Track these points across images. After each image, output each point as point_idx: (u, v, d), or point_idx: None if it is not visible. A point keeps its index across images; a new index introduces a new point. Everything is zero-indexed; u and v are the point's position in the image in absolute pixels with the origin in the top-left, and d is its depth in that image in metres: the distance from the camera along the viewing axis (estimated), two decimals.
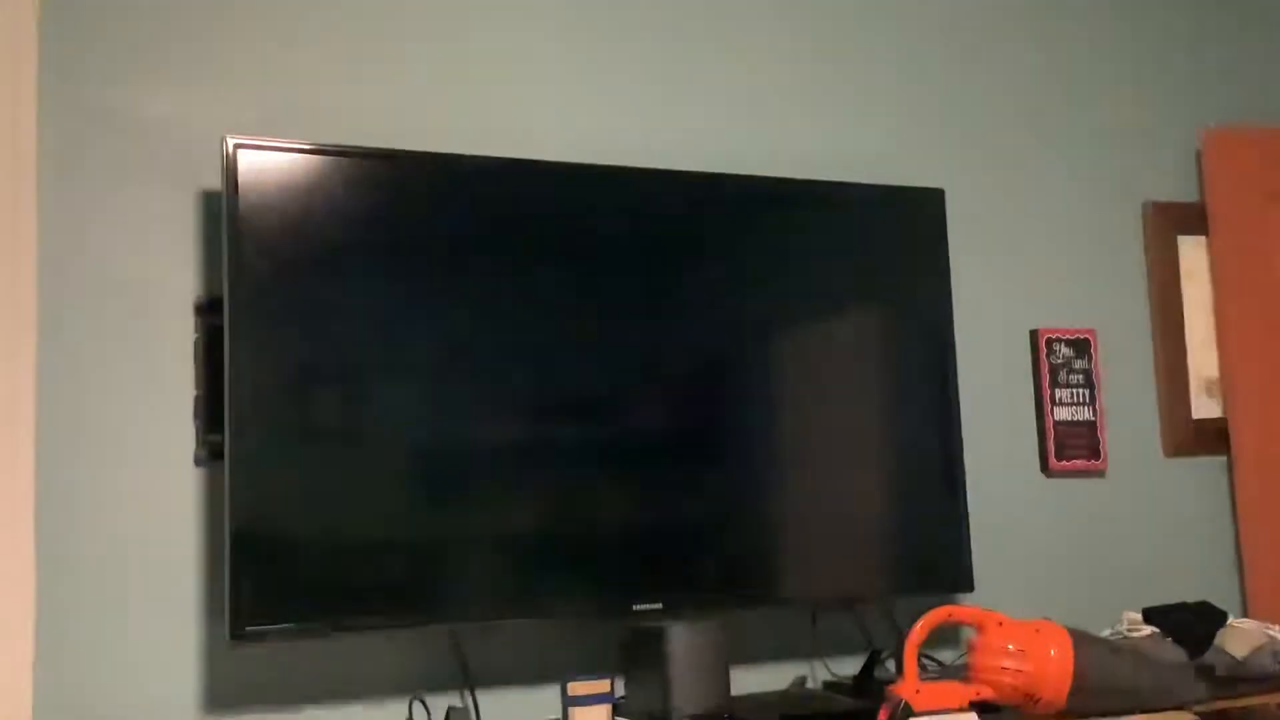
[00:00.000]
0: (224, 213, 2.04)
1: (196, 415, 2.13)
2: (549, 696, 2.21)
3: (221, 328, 2.04)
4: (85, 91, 2.13)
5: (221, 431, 2.02)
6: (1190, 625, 2.37)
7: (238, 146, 2.07)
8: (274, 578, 2.00)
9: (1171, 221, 2.95)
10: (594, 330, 2.27)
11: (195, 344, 2.14)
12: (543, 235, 2.26)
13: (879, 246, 2.52)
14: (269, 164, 2.08)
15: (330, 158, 2.13)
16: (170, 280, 2.14)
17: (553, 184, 2.28)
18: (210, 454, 2.12)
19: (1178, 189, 3.00)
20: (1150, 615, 2.42)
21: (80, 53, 2.13)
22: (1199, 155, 3.03)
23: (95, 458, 2.07)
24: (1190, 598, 2.69)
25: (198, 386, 2.14)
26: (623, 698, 2.18)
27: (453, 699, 2.19)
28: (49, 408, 2.04)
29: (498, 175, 2.25)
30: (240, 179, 2.06)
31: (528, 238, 2.25)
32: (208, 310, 2.15)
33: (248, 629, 1.97)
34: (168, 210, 2.15)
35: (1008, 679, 2.03)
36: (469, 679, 2.19)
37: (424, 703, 2.16)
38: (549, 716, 2.17)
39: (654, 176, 2.36)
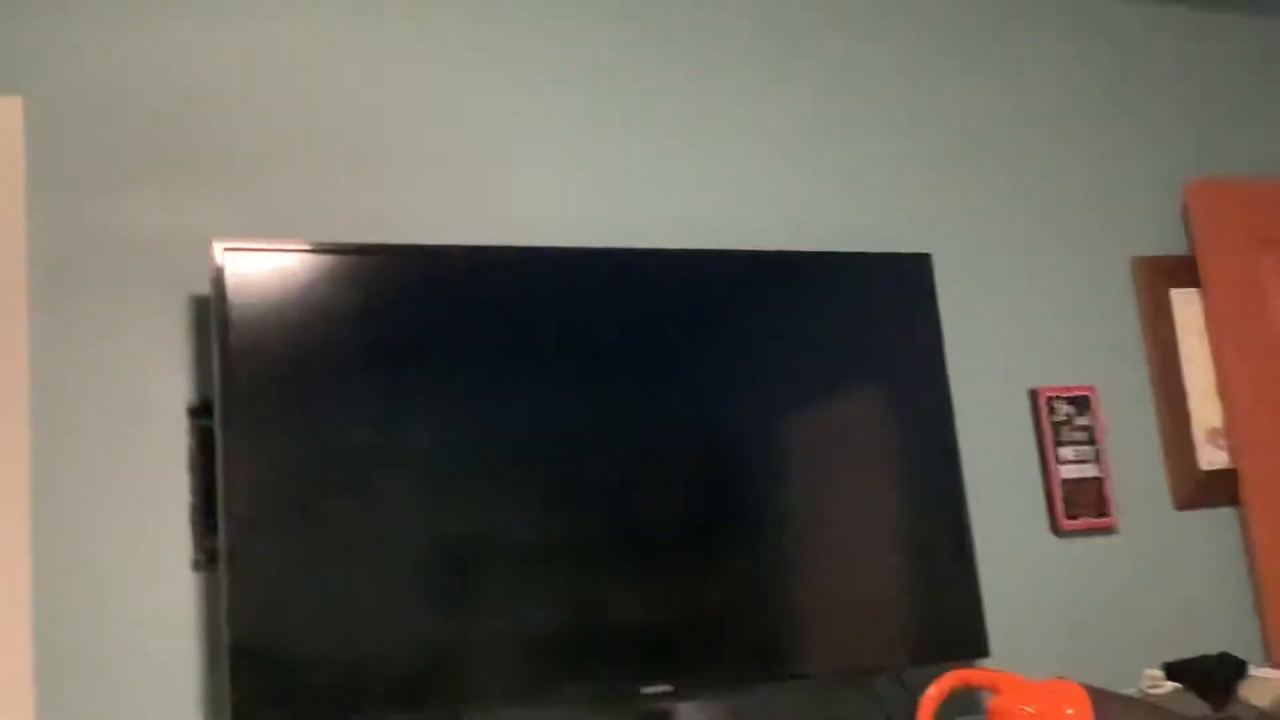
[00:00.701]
0: (213, 317, 2.05)
1: (193, 520, 2.12)
2: None
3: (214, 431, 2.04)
4: (71, 202, 2.16)
5: (217, 536, 2.01)
6: (1211, 677, 2.32)
7: (226, 250, 2.09)
8: (274, 681, 1.97)
9: (1162, 275, 2.96)
10: (596, 416, 2.27)
11: (189, 448, 2.15)
12: (540, 322, 2.26)
13: (872, 314, 2.52)
14: (258, 266, 2.10)
15: (319, 255, 2.14)
16: (163, 386, 2.15)
17: (547, 268, 2.29)
18: (208, 558, 2.11)
19: (1166, 243, 3.02)
20: (1171, 670, 2.38)
21: (65, 164, 2.17)
22: (1184, 208, 3.04)
23: (92, 565, 2.05)
24: (1210, 649, 2.64)
25: (193, 491, 2.13)
26: None
27: None
28: (45, 515, 2.04)
29: (490, 263, 2.26)
30: (229, 282, 2.08)
31: (525, 325, 2.25)
32: (201, 414, 2.15)
33: None
34: (158, 317, 2.17)
35: None
36: None
37: None
38: None
39: (647, 255, 2.37)
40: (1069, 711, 1.99)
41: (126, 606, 2.06)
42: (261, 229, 2.26)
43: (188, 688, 2.07)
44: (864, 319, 2.51)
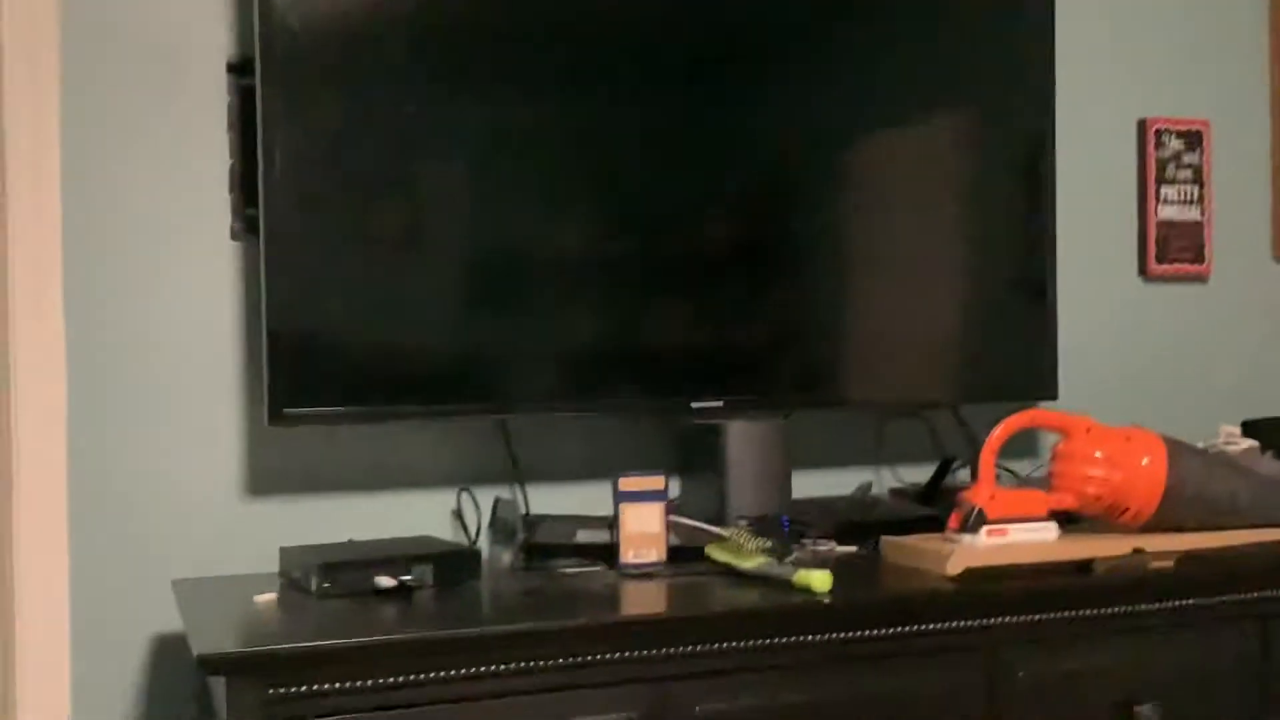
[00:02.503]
0: None
1: (232, 186, 2.00)
2: (600, 493, 2.11)
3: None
4: None
5: (258, 205, 1.89)
6: None
7: None
8: (314, 360, 1.89)
9: None
10: (659, 124, 2.08)
11: (229, 108, 2.00)
12: (602, 23, 2.05)
13: (978, 30, 2.28)
14: None
15: None
16: (201, 38, 1.98)
17: None
18: (247, 228, 1.99)
19: None
20: (1249, 428, 2.26)
21: None
22: None
23: (125, 233, 1.95)
24: None
25: (232, 155, 2.00)
26: (677, 499, 2.08)
27: (501, 491, 2.10)
28: (75, 179, 1.92)
29: None
30: None
31: (593, 20, 2.04)
32: (242, 71, 1.99)
33: (286, 411, 1.87)
34: None
35: (1093, 488, 1.88)
36: (518, 471, 2.09)
37: (471, 494, 2.08)
38: (599, 513, 2.08)
39: None
40: (1144, 461, 1.88)
41: (162, 278, 1.97)
42: None
43: (226, 363, 2.00)
44: (970, 35, 2.28)
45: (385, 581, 1.72)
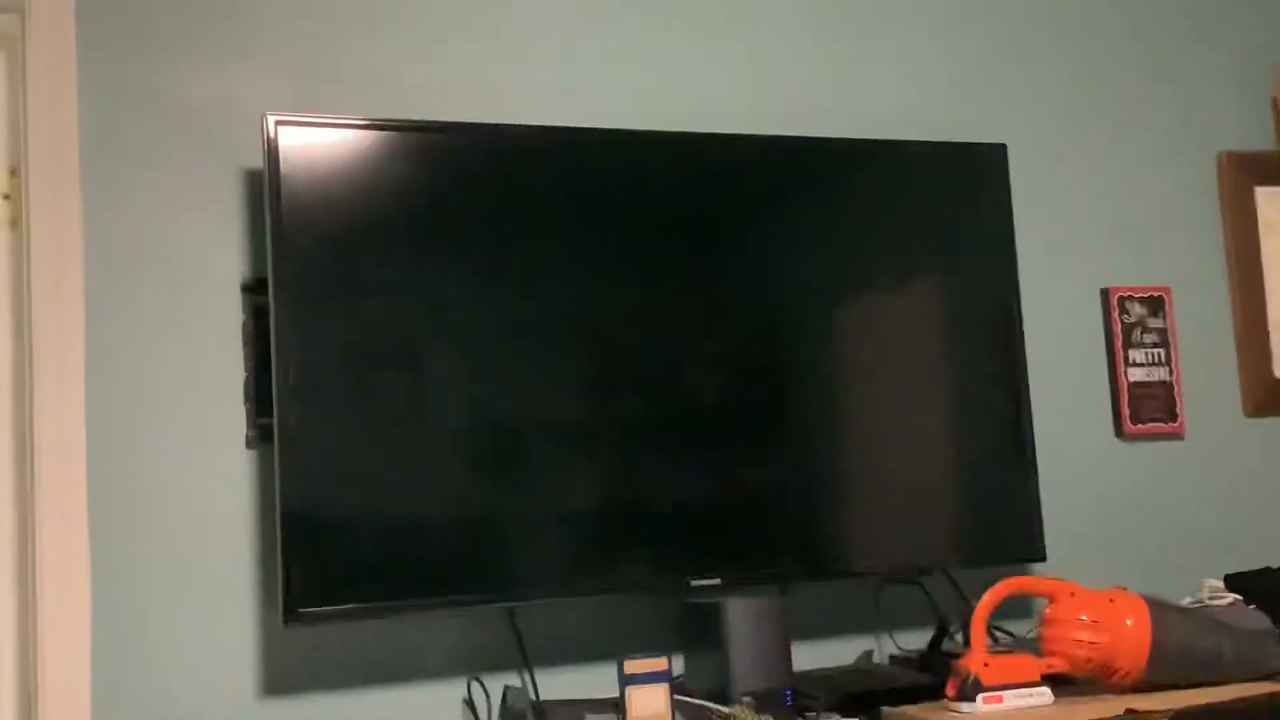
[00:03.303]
0: (266, 190, 2.01)
1: (247, 397, 2.11)
2: (606, 675, 2.17)
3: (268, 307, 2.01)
4: (125, 71, 2.11)
5: (271, 413, 2.00)
6: (1275, 591, 2.26)
7: (279, 123, 2.04)
8: (326, 559, 1.98)
9: (1248, 172, 2.83)
10: (650, 300, 2.22)
11: (243, 325, 2.12)
12: (595, 204, 2.21)
13: (940, 206, 2.43)
14: (311, 140, 2.05)
15: (373, 131, 2.09)
16: (216, 261, 2.12)
17: (604, 151, 2.23)
18: (261, 436, 2.10)
19: (1253, 138, 2.88)
20: (1232, 582, 2.32)
21: (118, 32, 2.11)
22: (1275, 102, 2.89)
23: (146, 443, 2.05)
24: (1274, 562, 2.58)
25: (246, 368, 2.11)
26: (681, 676, 2.14)
27: (510, 678, 2.15)
28: (98, 393, 2.03)
29: (545, 144, 2.19)
30: (282, 156, 2.03)
31: (579, 207, 2.20)
32: (254, 290, 2.12)
33: (301, 611, 1.95)
34: (211, 190, 2.13)
35: (1082, 651, 1.95)
36: (526, 658, 2.15)
37: (481, 682, 2.13)
38: (606, 695, 2.13)
39: (707, 140, 2.29)
40: (1128, 622, 1.95)
41: (181, 484, 2.06)
42: (316, 104, 2.20)
43: (242, 564, 2.08)
44: (934, 211, 2.42)
45: None
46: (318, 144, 2.05)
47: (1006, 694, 1.91)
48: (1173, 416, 2.68)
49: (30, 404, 1.99)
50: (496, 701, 2.12)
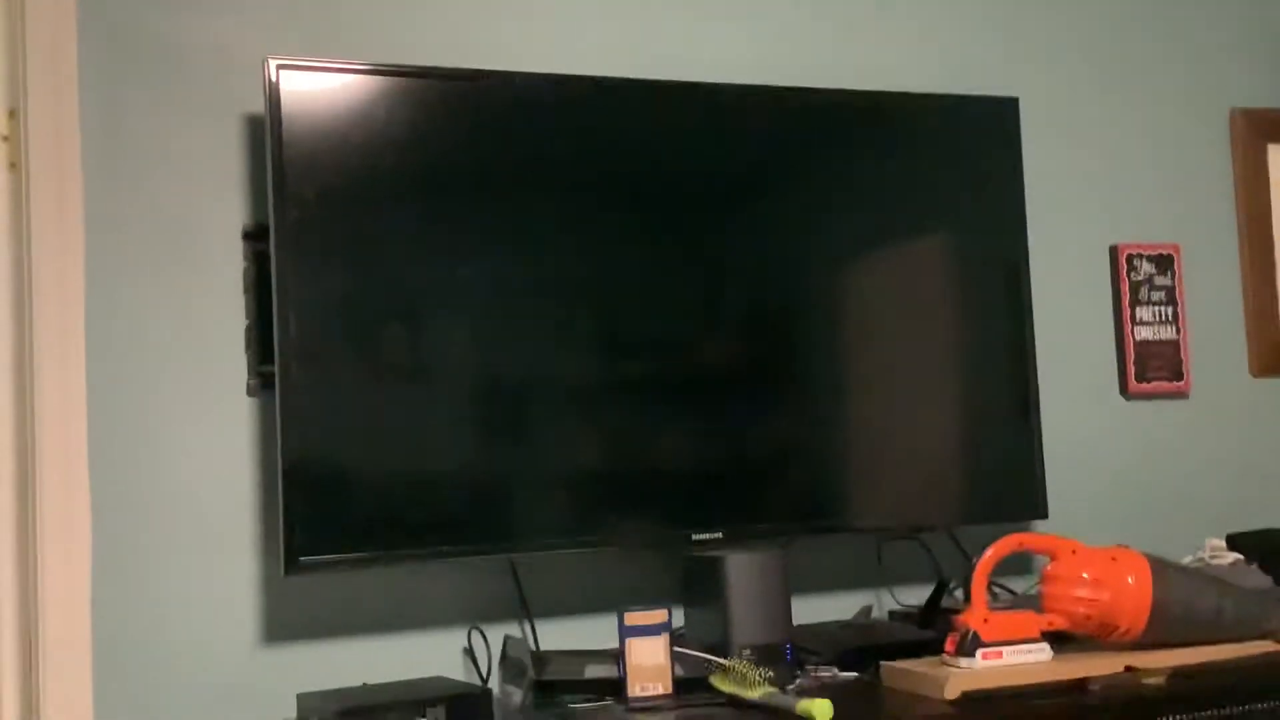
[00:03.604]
0: (268, 136, 1.99)
1: (248, 345, 2.10)
2: (606, 626, 2.17)
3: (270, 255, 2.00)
4: (125, 13, 2.08)
5: (272, 361, 1.99)
6: (1278, 551, 2.26)
7: (280, 68, 2.01)
8: (327, 509, 1.97)
9: (1261, 129, 2.80)
10: (656, 258, 2.20)
11: (244, 272, 2.11)
12: (602, 155, 2.19)
13: (949, 161, 2.40)
14: (313, 86, 2.02)
15: (377, 77, 2.06)
16: (217, 207, 2.10)
17: (612, 100, 2.20)
18: (262, 384, 2.09)
19: (1267, 95, 2.84)
20: (1235, 541, 2.32)
21: None
22: None
23: (146, 391, 2.04)
24: (1278, 524, 2.58)
25: (248, 316, 2.10)
26: (681, 629, 2.14)
27: (510, 629, 2.16)
28: (98, 340, 2.02)
29: (552, 92, 2.16)
30: (284, 102, 2.00)
31: (586, 157, 2.17)
32: (256, 237, 2.11)
33: (301, 560, 1.95)
34: (213, 135, 2.11)
35: (1082, 608, 1.95)
36: (526, 609, 2.15)
37: (482, 632, 2.14)
38: (606, 646, 2.13)
39: (719, 90, 2.27)
40: (1129, 580, 1.95)
41: (182, 431, 2.05)
42: (317, 49, 2.17)
43: (243, 513, 2.07)
44: (943, 165, 2.40)
45: None
46: (320, 89, 2.02)
47: (1005, 650, 1.91)
48: (1179, 376, 2.67)
49: (30, 348, 1.98)
50: (497, 651, 2.12)
